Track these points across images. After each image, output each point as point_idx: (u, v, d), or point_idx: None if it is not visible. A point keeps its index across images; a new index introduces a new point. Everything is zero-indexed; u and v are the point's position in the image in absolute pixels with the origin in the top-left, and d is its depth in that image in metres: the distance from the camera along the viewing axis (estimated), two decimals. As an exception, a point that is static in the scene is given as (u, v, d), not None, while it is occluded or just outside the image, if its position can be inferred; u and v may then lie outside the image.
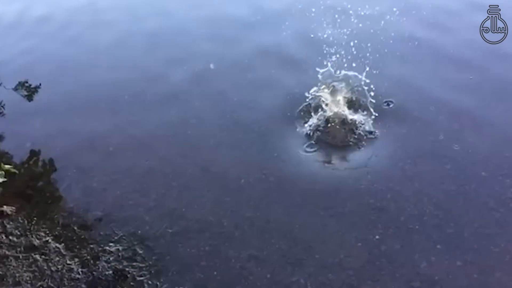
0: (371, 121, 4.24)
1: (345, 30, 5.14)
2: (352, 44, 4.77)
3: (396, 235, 3.40)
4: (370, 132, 4.15)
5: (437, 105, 4.37)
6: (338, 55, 4.60)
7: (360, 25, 5.26)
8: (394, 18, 5.43)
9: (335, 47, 4.77)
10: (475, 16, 5.36)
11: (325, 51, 4.71)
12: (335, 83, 4.36)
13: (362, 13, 5.40)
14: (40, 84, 5.28)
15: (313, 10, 5.56)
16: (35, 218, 3.86)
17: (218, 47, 5.51)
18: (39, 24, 6.69)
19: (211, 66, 5.19)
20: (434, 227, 3.41)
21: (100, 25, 6.42)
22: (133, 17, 6.56)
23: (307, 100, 4.47)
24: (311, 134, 4.20)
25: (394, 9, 5.53)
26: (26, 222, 3.84)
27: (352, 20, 5.27)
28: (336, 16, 5.26)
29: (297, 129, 4.28)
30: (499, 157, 3.84)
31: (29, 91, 5.21)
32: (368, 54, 4.79)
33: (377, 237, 3.40)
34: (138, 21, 6.45)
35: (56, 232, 3.75)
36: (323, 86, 4.35)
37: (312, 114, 4.35)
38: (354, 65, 4.60)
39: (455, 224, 3.42)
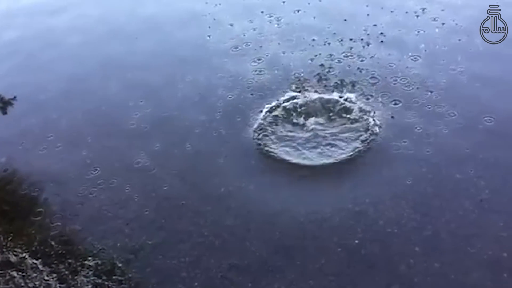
0: (349, 128, 4.29)
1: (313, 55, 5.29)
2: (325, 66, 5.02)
3: (375, 239, 3.44)
4: (348, 138, 4.20)
5: (413, 109, 4.43)
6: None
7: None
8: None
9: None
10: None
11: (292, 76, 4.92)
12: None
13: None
14: (15, 97, 5.20)
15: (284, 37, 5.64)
16: (11, 234, 3.79)
17: (186, 70, 5.39)
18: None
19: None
20: (412, 230, 3.46)
21: (62, 51, 6.15)
22: (92, 41, 6.29)
23: (284, 110, 4.54)
24: (289, 143, 4.23)
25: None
26: (2, 238, 3.77)
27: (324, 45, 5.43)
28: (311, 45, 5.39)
29: (274, 139, 4.29)
30: (473, 159, 3.92)
31: (3, 102, 5.13)
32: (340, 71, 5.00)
33: (356, 241, 3.43)
34: (98, 44, 6.21)
35: (33, 248, 3.68)
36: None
37: (289, 124, 4.40)
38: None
39: (432, 226, 3.47)
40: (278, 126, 4.40)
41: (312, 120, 4.38)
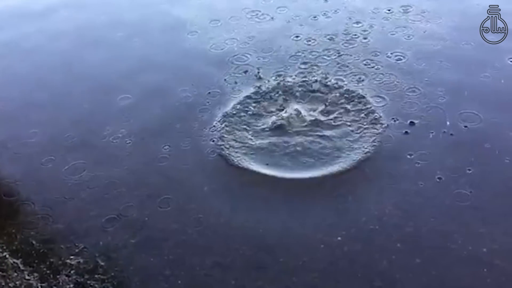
0: (330, 126, 4.33)
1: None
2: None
3: (358, 236, 3.47)
4: (330, 136, 4.23)
5: (397, 108, 4.47)
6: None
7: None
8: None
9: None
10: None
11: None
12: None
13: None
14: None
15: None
16: (-9, 234, 3.75)
17: (168, 70, 5.35)
18: None
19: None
20: (394, 227, 3.50)
21: (43, 57, 5.91)
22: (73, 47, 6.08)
23: (265, 107, 4.59)
24: (272, 141, 4.25)
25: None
26: (-18, 238, 3.72)
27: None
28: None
29: (257, 138, 4.31)
30: (453, 157, 3.98)
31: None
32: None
33: (339, 238, 3.46)
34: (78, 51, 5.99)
35: (14, 247, 3.63)
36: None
37: (272, 118, 4.43)
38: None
39: (414, 223, 3.51)
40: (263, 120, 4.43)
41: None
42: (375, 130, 4.24)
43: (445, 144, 4.09)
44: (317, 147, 4.15)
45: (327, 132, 4.26)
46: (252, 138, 4.29)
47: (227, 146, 4.23)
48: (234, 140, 4.29)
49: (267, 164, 4.03)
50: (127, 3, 6.95)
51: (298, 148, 4.15)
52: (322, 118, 4.40)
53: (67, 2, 6.99)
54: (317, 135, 4.25)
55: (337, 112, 4.44)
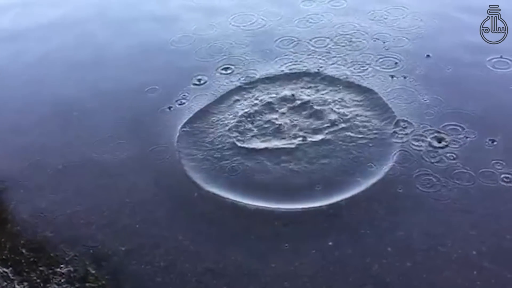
0: (321, 126, 4.35)
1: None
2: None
3: (349, 240, 3.48)
4: (318, 141, 4.25)
5: (383, 114, 4.50)
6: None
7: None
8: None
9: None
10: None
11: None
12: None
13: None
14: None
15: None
16: (-21, 243, 3.71)
17: (153, 71, 5.39)
18: None
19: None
20: (385, 231, 3.51)
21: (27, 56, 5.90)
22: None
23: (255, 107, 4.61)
24: (262, 143, 4.27)
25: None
26: (-29, 247, 3.68)
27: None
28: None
29: (246, 142, 4.31)
30: (442, 160, 4.00)
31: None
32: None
33: (330, 243, 3.47)
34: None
35: (4, 256, 3.60)
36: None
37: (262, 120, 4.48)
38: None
39: (404, 226, 3.53)
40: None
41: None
42: (363, 134, 4.27)
43: (434, 147, 4.12)
44: (305, 151, 4.16)
45: (314, 136, 4.28)
46: (244, 146, 4.30)
47: (218, 155, 4.24)
48: (224, 147, 4.30)
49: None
50: (98, 19, 6.70)
51: (288, 151, 4.17)
52: (309, 121, 4.43)
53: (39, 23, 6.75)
54: (304, 138, 4.26)
55: (323, 115, 4.46)
